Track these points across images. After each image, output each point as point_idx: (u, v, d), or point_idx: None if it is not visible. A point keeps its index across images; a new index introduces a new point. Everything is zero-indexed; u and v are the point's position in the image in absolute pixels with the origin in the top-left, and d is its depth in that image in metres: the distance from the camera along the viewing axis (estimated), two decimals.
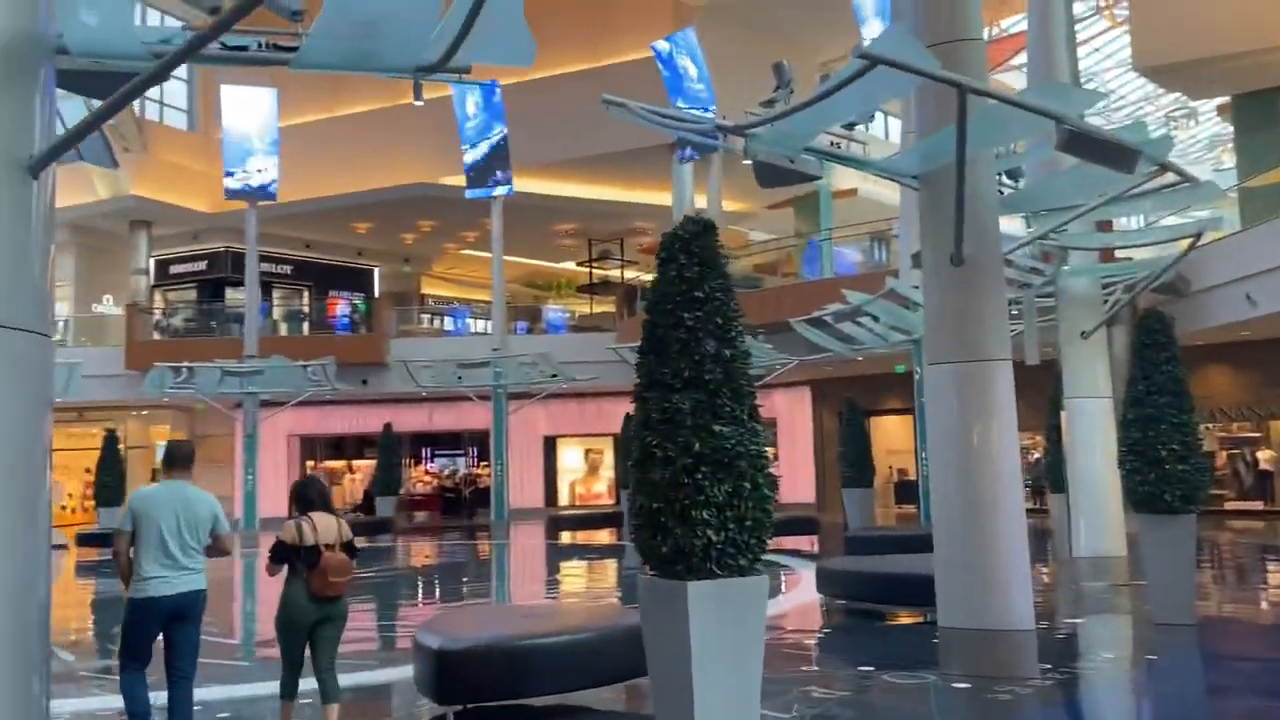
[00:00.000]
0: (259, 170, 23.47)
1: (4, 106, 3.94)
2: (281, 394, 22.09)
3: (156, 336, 27.68)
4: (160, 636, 5.28)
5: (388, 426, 24.58)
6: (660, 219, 29.07)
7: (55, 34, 4.67)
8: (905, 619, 9.73)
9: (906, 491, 24.37)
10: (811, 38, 25.52)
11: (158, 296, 30.31)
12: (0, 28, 3.91)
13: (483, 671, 6.05)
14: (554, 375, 21.87)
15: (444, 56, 5.10)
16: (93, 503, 24.30)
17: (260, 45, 5.50)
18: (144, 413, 28.77)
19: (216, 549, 5.42)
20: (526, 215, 26.05)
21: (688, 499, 4.58)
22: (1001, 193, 9.29)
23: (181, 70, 30.41)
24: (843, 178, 29.41)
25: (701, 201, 25.56)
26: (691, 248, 4.89)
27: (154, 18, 27.14)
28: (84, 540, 20.57)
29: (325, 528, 5.44)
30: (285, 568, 5.47)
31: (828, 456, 25.09)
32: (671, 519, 4.65)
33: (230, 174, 23.30)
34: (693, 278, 4.82)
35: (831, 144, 8.62)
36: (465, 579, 16.25)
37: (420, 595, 14.92)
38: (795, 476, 25.91)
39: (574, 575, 16.59)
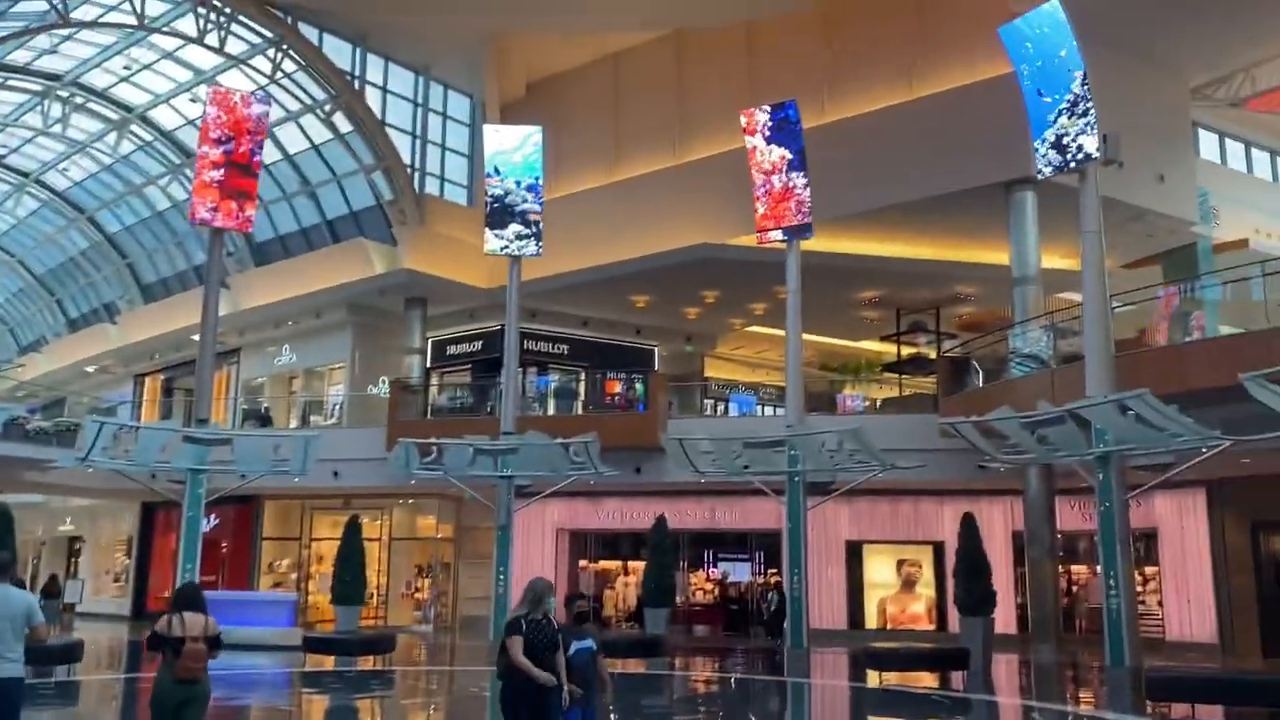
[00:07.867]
0: (521, 235, 21.49)
1: None
2: (541, 478, 19.07)
3: (430, 419, 25.79)
4: None
5: (660, 520, 20.87)
6: (987, 281, 24.15)
7: None
8: None
9: None
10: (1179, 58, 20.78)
11: (434, 378, 28.82)
12: None
13: None
14: (863, 461, 17.23)
15: None
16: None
17: None
18: (410, 502, 26.92)
19: (34, 637, 6.37)
20: (821, 281, 21.86)
21: None
22: None
23: (463, 144, 29.47)
24: (1233, 228, 23.71)
25: (1048, 255, 20.60)
26: None
27: None
28: (311, 645, 17.63)
29: (193, 623, 6.47)
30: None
31: (1235, 584, 19.02)
32: None
33: (493, 232, 21.33)
34: None
35: None
36: None
37: None
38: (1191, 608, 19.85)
39: None
